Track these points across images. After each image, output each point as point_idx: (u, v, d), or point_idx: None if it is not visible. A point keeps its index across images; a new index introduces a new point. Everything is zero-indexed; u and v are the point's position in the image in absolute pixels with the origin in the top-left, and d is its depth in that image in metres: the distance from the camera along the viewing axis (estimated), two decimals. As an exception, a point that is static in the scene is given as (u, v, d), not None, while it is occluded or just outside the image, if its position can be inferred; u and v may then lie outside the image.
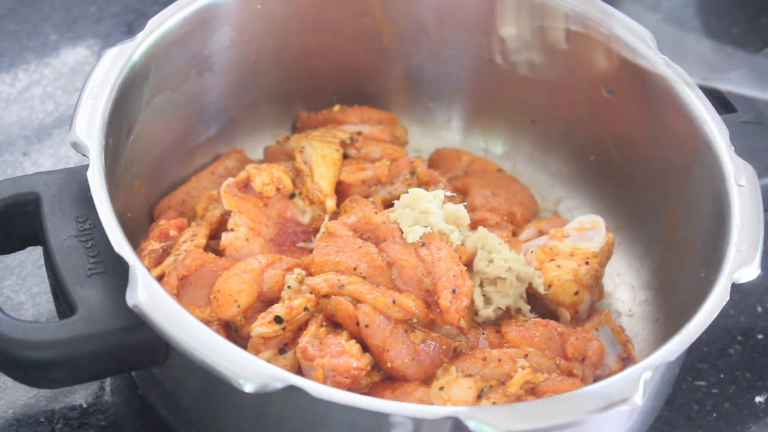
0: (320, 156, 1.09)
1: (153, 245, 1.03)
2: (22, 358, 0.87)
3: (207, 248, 1.03)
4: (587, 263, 1.04)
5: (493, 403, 0.92)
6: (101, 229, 0.89)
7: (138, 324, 0.86)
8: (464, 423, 0.81)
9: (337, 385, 0.91)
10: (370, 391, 0.94)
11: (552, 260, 1.04)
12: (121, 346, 0.88)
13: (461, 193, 1.14)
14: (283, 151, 1.13)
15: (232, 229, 1.04)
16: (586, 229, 1.06)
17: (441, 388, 0.93)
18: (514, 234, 1.10)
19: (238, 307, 0.97)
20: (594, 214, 1.09)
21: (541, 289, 1.02)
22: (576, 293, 1.03)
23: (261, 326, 0.95)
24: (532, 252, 1.06)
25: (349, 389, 0.91)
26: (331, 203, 1.07)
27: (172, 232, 1.04)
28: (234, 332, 0.98)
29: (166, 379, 0.93)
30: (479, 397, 0.93)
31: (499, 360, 0.96)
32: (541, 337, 0.98)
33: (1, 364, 0.88)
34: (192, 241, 1.02)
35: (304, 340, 0.94)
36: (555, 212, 1.18)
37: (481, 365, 0.95)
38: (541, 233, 1.10)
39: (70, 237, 0.92)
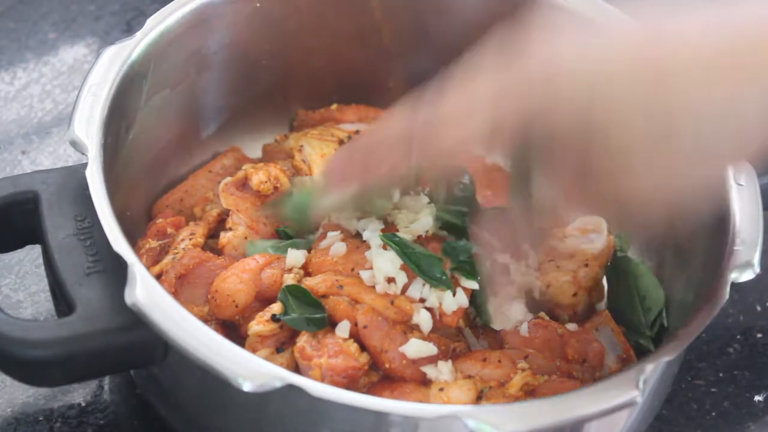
0: (319, 155, 1.09)
1: (151, 243, 1.03)
2: (20, 356, 0.86)
3: (205, 247, 1.03)
4: (587, 265, 1.03)
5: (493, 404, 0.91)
6: (100, 227, 0.89)
7: (137, 323, 0.86)
8: (464, 422, 0.81)
9: (335, 384, 0.90)
10: (369, 391, 0.94)
11: (551, 261, 1.04)
12: (120, 344, 0.88)
13: (461, 192, 1.13)
14: (281, 150, 1.13)
15: (230, 228, 1.04)
16: (588, 231, 1.06)
17: (440, 389, 0.93)
18: (514, 233, 1.10)
19: (236, 306, 0.96)
20: (596, 216, 1.09)
21: (537, 294, 1.02)
22: (574, 295, 1.02)
23: (258, 324, 0.95)
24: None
25: (347, 388, 0.91)
26: (329, 202, 1.07)
27: (170, 230, 1.04)
28: (232, 332, 0.98)
29: (165, 377, 0.93)
30: (479, 398, 0.92)
31: (499, 361, 0.95)
32: (541, 338, 0.98)
33: (0, 362, 0.88)
34: (190, 239, 1.02)
35: (302, 339, 0.94)
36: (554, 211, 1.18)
37: (480, 366, 0.95)
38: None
39: (68, 235, 0.92)
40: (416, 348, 0.94)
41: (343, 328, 0.94)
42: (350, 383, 0.92)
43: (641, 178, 0.84)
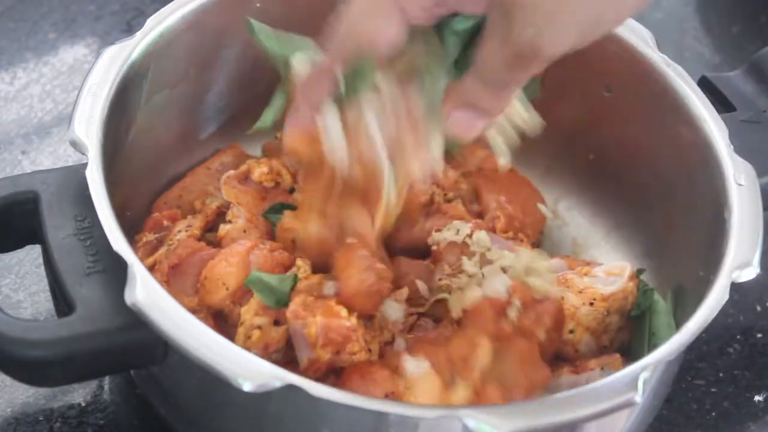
0: None
1: (148, 237, 1.03)
2: (20, 356, 0.86)
3: (203, 240, 1.03)
4: (591, 304, 0.99)
5: (466, 389, 0.91)
6: (100, 227, 0.89)
7: (137, 323, 0.86)
8: (464, 422, 0.81)
9: (330, 342, 0.91)
10: (339, 374, 0.94)
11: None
12: (120, 344, 0.88)
13: (473, 192, 1.12)
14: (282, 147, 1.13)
15: (230, 221, 1.04)
16: (614, 275, 1.02)
17: (407, 387, 0.92)
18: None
19: (227, 289, 0.96)
20: (624, 262, 1.05)
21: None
22: (571, 331, 0.99)
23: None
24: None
25: (337, 353, 0.91)
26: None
27: (166, 223, 1.04)
28: (222, 323, 0.97)
29: (165, 377, 0.93)
30: (449, 385, 0.91)
31: (459, 338, 0.94)
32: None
33: (0, 362, 0.88)
34: (186, 231, 1.02)
35: (295, 303, 0.93)
36: (554, 211, 1.18)
37: (442, 350, 0.94)
38: (569, 268, 1.05)
39: (68, 235, 0.92)
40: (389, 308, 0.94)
41: (330, 286, 0.95)
42: (343, 343, 0.91)
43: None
